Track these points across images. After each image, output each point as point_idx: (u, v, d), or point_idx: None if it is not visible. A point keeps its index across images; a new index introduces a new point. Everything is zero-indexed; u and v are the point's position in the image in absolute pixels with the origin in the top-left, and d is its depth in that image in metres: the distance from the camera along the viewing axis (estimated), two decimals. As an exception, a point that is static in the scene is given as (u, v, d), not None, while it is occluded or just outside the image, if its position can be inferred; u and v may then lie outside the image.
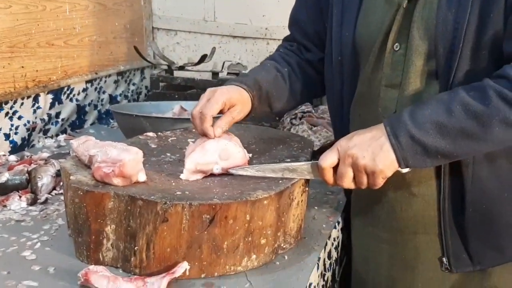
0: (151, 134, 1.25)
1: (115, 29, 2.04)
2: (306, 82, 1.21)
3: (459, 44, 0.92)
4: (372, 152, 0.89)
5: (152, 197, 0.83)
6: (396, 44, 1.01)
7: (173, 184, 0.92)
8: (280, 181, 0.94)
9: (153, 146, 1.17)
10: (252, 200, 0.85)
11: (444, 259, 1.02)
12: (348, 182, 0.92)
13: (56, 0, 1.66)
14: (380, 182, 0.91)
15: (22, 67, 1.54)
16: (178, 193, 0.86)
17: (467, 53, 0.93)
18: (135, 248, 0.85)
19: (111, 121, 2.02)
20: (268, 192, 0.88)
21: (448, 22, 0.93)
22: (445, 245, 1.01)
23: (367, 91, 1.07)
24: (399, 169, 0.90)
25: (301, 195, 0.98)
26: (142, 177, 0.91)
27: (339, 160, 0.92)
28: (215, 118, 1.02)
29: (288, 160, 1.08)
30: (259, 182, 0.94)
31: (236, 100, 1.04)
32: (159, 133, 1.26)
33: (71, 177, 0.90)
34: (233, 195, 0.86)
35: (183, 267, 0.82)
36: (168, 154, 1.11)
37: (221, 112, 1.03)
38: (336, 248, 1.10)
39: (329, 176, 0.94)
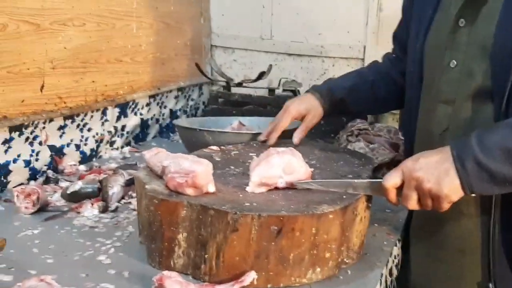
0: (214, 147, 1.29)
1: (176, 46, 2.13)
2: (392, 90, 1.29)
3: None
4: (437, 176, 0.88)
5: (223, 207, 0.87)
6: (453, 61, 1.02)
7: (241, 196, 0.96)
8: (344, 196, 0.96)
9: (217, 159, 1.21)
10: (318, 214, 0.87)
11: (491, 285, 0.99)
12: (412, 204, 0.92)
13: (125, 18, 1.76)
14: (445, 206, 0.90)
15: (93, 81, 1.63)
16: (247, 204, 0.90)
17: None
18: (206, 256, 0.89)
19: (171, 135, 2.09)
20: (333, 206, 0.90)
21: (507, 42, 0.92)
22: (492, 269, 0.98)
23: (427, 105, 1.09)
24: (466, 193, 0.89)
25: (364, 211, 0.99)
26: (211, 188, 0.95)
27: (403, 181, 0.92)
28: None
29: (350, 176, 1.10)
30: (323, 196, 0.96)
31: (305, 109, 1.25)
32: (221, 147, 1.31)
33: (146, 186, 0.95)
34: (299, 208, 0.89)
35: (251, 276, 0.85)
36: (232, 167, 1.15)
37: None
38: (396, 266, 1.11)
39: (392, 196, 0.94)
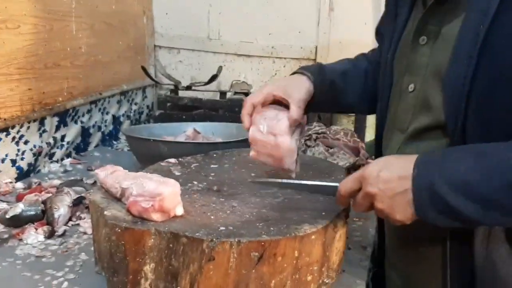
0: (172, 160, 1.19)
1: (119, 48, 1.99)
2: None
3: (464, 99, 0.80)
4: (393, 199, 0.79)
5: (197, 234, 0.78)
6: (411, 84, 0.92)
7: (212, 218, 0.87)
8: (323, 213, 0.89)
9: (177, 173, 1.12)
10: (301, 236, 0.81)
11: None
12: (362, 211, 0.86)
13: (63, 19, 1.61)
14: (397, 225, 0.83)
15: (29, 89, 1.48)
16: (222, 228, 0.81)
17: (475, 111, 0.80)
18: (177, 288, 0.79)
19: (115, 142, 1.96)
20: (315, 226, 0.83)
21: (459, 69, 0.81)
22: None
23: (387, 128, 1.02)
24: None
25: (343, 226, 0.93)
26: (180, 210, 0.86)
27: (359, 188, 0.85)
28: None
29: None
30: (301, 214, 0.89)
31: (286, 86, 1.04)
32: (180, 159, 1.21)
33: (106, 213, 0.84)
34: (280, 230, 0.81)
35: (230, 309, 0.77)
36: (195, 183, 1.06)
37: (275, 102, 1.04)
38: (372, 279, 1.06)
39: (343, 202, 0.88)
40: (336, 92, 1.10)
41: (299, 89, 1.05)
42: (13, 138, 1.42)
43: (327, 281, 0.91)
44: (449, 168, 0.76)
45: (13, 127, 1.41)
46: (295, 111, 1.01)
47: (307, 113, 1.08)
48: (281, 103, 1.05)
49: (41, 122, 1.54)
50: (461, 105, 0.81)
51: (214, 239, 0.77)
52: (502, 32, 0.77)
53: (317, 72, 1.08)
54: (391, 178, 0.80)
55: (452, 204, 0.75)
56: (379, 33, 1.15)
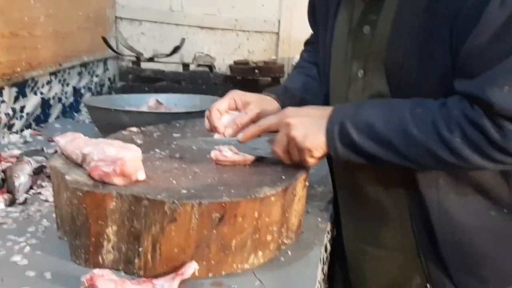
0: (134, 129, 1.20)
1: (78, 18, 1.95)
2: None
3: (406, 81, 0.90)
4: (307, 128, 0.90)
5: (158, 196, 0.79)
6: (360, 70, 0.99)
7: (174, 182, 0.89)
8: (283, 177, 0.92)
9: (139, 142, 1.12)
10: (261, 197, 0.83)
11: (428, 285, 1.00)
12: (280, 150, 0.94)
13: (20, -13, 1.57)
14: (308, 160, 0.92)
15: (-14, 58, 1.44)
16: (184, 191, 0.83)
17: (418, 90, 0.89)
18: (140, 249, 0.81)
19: (76, 114, 1.94)
20: (274, 188, 0.86)
21: (396, 58, 0.91)
22: (427, 272, 0.99)
23: None
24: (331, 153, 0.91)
25: (302, 190, 0.97)
26: (141, 175, 0.87)
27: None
28: None
29: None
30: (261, 178, 0.92)
31: (251, 99, 1.05)
32: (142, 128, 1.22)
33: (67, 177, 0.84)
34: (241, 192, 0.84)
35: (192, 268, 0.80)
36: (157, 150, 1.07)
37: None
38: (329, 240, 1.11)
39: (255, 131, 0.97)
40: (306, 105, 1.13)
41: (272, 107, 1.08)
42: (-30, 108, 1.39)
43: (286, 242, 0.95)
44: (359, 113, 0.89)
45: (-31, 97, 1.38)
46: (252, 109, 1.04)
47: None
48: None
49: (-1, 92, 1.51)
50: (403, 84, 0.91)
51: (176, 201, 0.78)
52: (432, 16, 0.85)
53: (284, 93, 1.13)
54: (310, 113, 0.92)
55: (356, 140, 0.87)
56: (312, 19, 1.21)
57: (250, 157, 1.00)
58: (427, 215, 0.96)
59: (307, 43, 1.31)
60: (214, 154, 1.00)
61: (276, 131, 0.96)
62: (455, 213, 0.94)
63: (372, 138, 0.87)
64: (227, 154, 0.98)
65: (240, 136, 0.99)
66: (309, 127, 0.90)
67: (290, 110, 0.94)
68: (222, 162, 0.99)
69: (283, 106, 1.09)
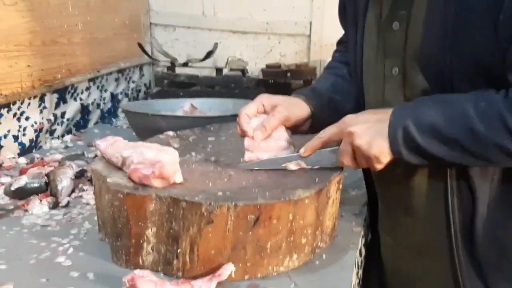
0: (170, 133, 1.23)
1: (115, 25, 2.01)
2: None
3: (449, 79, 0.89)
4: (371, 135, 0.88)
5: (196, 198, 0.81)
6: (395, 68, 0.98)
7: (210, 184, 0.91)
8: (316, 179, 0.93)
9: (175, 145, 1.15)
10: (295, 200, 0.84)
11: None
12: (347, 160, 0.93)
13: (59, -4, 1.63)
14: (377, 166, 0.91)
15: (29, 66, 1.50)
16: (220, 193, 0.85)
17: (461, 88, 0.88)
18: (178, 250, 0.83)
19: (114, 120, 1.99)
20: (308, 191, 0.87)
21: (432, 58, 0.90)
22: (460, 276, 0.96)
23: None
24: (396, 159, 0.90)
25: (336, 192, 0.97)
26: (179, 178, 0.89)
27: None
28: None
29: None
30: (295, 181, 0.93)
31: (278, 101, 1.05)
32: (178, 132, 1.24)
33: (108, 180, 0.87)
34: (275, 194, 0.85)
35: (229, 269, 0.81)
36: (193, 154, 1.10)
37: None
38: (364, 245, 1.11)
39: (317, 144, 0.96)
40: (336, 106, 1.12)
41: (301, 108, 1.08)
42: (15, 114, 1.45)
43: (321, 245, 0.95)
44: (420, 113, 0.87)
45: (14, 103, 1.44)
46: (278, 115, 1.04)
47: (310, 132, 1.09)
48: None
49: (41, 98, 1.56)
50: (442, 78, 0.89)
51: (213, 203, 0.80)
52: (466, 8, 0.84)
53: (312, 94, 1.12)
54: (369, 119, 0.91)
55: (420, 142, 0.86)
56: (343, 19, 1.20)
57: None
58: (472, 214, 0.93)
59: (339, 43, 1.31)
60: (248, 157, 1.02)
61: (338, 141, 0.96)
62: (506, 214, 0.92)
63: (438, 139, 0.85)
64: (293, 168, 0.98)
65: (302, 151, 0.98)
66: (372, 135, 0.88)
67: (349, 118, 0.92)
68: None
69: (311, 106, 1.09)
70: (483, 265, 0.95)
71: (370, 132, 0.89)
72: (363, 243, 1.09)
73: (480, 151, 0.84)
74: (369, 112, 0.94)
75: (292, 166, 0.99)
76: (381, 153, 0.88)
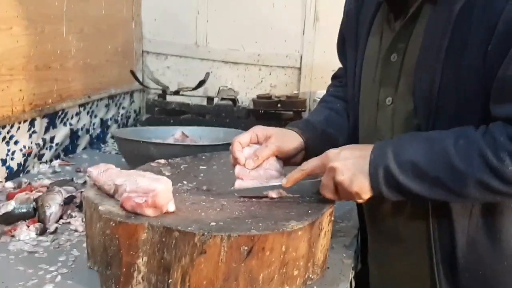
0: (162, 161, 1.23)
1: (107, 52, 2.02)
2: None
3: (435, 105, 0.90)
4: (352, 172, 0.90)
5: (189, 228, 0.81)
6: (389, 98, 1.00)
7: (203, 214, 0.91)
8: (309, 211, 0.93)
9: (167, 173, 1.15)
10: (288, 231, 0.84)
11: None
12: (329, 194, 0.95)
13: (54, 22, 1.64)
14: (358, 201, 0.93)
15: (20, 90, 1.50)
16: (213, 224, 0.85)
17: (446, 115, 0.90)
18: (169, 281, 0.83)
19: (102, 146, 1.98)
20: (302, 222, 0.87)
21: (423, 82, 0.92)
22: None
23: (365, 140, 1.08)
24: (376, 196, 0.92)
25: (328, 224, 0.98)
26: (171, 207, 0.89)
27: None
28: None
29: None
30: (288, 212, 0.93)
31: (272, 132, 1.07)
32: (169, 160, 1.24)
33: (100, 208, 0.87)
34: (268, 226, 0.85)
35: (220, 301, 0.81)
36: (185, 182, 1.10)
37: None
38: (354, 277, 1.11)
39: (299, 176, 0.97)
40: (329, 139, 1.14)
41: (293, 140, 1.10)
42: (4, 138, 1.44)
43: (312, 277, 0.95)
44: (401, 150, 0.88)
45: (3, 127, 1.43)
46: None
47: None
48: None
49: (31, 123, 1.55)
50: (430, 109, 0.91)
51: (206, 233, 0.80)
52: (459, 45, 0.87)
53: (305, 126, 1.14)
54: (351, 155, 0.92)
55: (402, 181, 0.87)
56: (341, 53, 1.23)
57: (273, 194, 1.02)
58: (453, 246, 0.94)
59: (334, 77, 1.33)
60: (238, 184, 1.03)
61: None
62: (485, 245, 0.93)
63: (419, 177, 0.86)
64: (275, 196, 1.00)
65: (284, 181, 0.99)
66: (354, 172, 0.90)
67: (332, 152, 0.94)
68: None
69: (305, 138, 1.11)
70: None
71: (351, 169, 0.90)
72: (353, 275, 1.09)
73: (461, 188, 0.85)
74: (352, 148, 0.95)
75: (274, 194, 1.01)
76: (362, 189, 0.90)
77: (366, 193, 0.91)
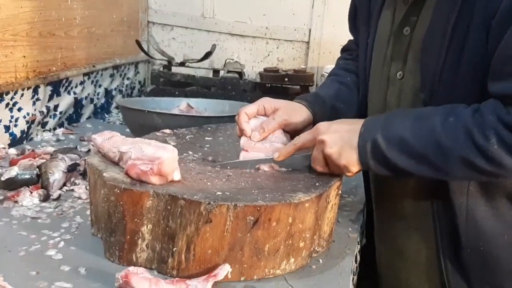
0: (167, 131, 1.21)
1: (112, 21, 1.98)
2: None
3: (438, 80, 0.90)
4: (341, 145, 0.90)
5: (195, 197, 0.80)
6: (400, 72, 1.00)
7: (209, 184, 0.89)
8: (317, 184, 0.92)
9: (172, 143, 1.13)
10: (296, 203, 0.83)
11: None
12: (319, 167, 0.95)
13: (59, -12, 1.61)
14: (347, 174, 0.94)
15: (24, 56, 1.47)
16: (219, 193, 0.83)
17: (450, 91, 0.90)
18: (174, 249, 0.82)
19: (106, 115, 1.96)
20: (309, 194, 0.86)
21: (430, 57, 0.91)
22: (447, 280, 0.98)
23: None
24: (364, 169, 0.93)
25: (335, 198, 0.96)
26: (177, 175, 0.88)
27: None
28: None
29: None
30: (296, 184, 0.92)
31: (280, 105, 1.05)
32: (175, 130, 1.23)
33: (105, 174, 0.85)
34: (275, 197, 0.84)
35: (225, 270, 0.80)
36: (190, 153, 1.08)
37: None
38: (359, 251, 1.10)
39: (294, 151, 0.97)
40: (338, 114, 1.13)
41: (301, 114, 1.08)
42: (7, 104, 1.42)
43: (318, 249, 0.94)
44: (390, 126, 0.88)
45: (7, 93, 1.41)
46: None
47: None
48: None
49: (35, 90, 1.53)
50: (434, 82, 0.91)
51: (212, 202, 0.79)
52: (466, 20, 0.86)
53: (315, 100, 1.12)
54: (341, 128, 0.92)
55: (389, 156, 0.87)
56: (353, 25, 1.22)
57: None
58: (454, 222, 0.95)
59: (344, 50, 1.31)
60: (242, 156, 1.02)
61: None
62: (483, 221, 0.93)
63: (406, 152, 0.86)
64: (266, 169, 0.99)
65: (276, 155, 0.99)
66: (342, 145, 0.90)
67: (322, 126, 0.94)
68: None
69: (313, 113, 1.09)
70: (468, 270, 0.97)
71: (340, 142, 0.90)
72: (358, 249, 1.08)
73: (448, 166, 0.84)
74: (343, 122, 0.95)
75: (266, 167, 1.00)
76: (350, 163, 0.91)
77: (354, 166, 0.91)
